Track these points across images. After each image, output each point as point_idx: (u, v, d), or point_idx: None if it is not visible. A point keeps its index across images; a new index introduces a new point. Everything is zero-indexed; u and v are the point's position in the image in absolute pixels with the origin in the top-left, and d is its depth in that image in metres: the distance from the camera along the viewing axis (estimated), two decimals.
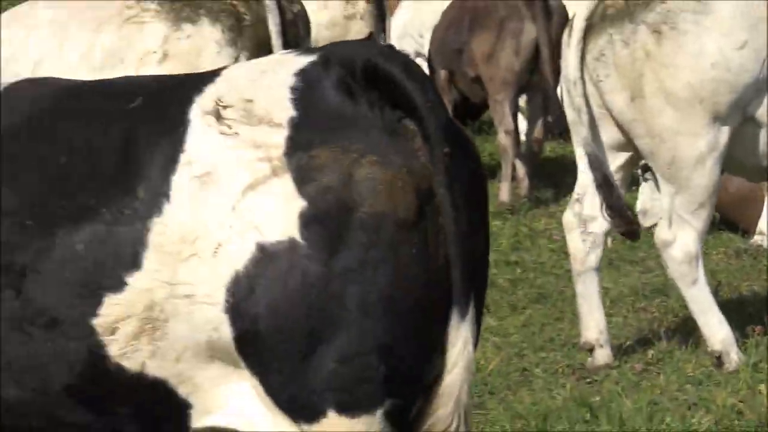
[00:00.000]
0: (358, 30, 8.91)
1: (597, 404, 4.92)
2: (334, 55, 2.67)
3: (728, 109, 5.28)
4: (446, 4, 9.36)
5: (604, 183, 5.48)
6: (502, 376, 5.50)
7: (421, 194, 2.49)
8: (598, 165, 5.51)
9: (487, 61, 7.72)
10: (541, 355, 5.91)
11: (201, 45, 6.09)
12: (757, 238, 7.57)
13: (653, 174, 5.97)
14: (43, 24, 6.71)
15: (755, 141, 5.49)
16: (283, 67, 2.71)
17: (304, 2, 7.76)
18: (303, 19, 6.57)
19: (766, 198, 7.74)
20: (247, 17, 6.12)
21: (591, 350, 5.63)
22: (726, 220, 7.37)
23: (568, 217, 5.77)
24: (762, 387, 5.05)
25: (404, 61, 2.59)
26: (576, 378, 5.48)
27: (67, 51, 6.34)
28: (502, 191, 8.24)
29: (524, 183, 8.54)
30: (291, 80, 2.63)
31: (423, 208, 2.51)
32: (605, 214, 5.62)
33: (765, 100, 5.40)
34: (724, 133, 5.37)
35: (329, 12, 8.84)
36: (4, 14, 7.12)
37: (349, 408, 2.54)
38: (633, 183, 6.53)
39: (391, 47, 2.88)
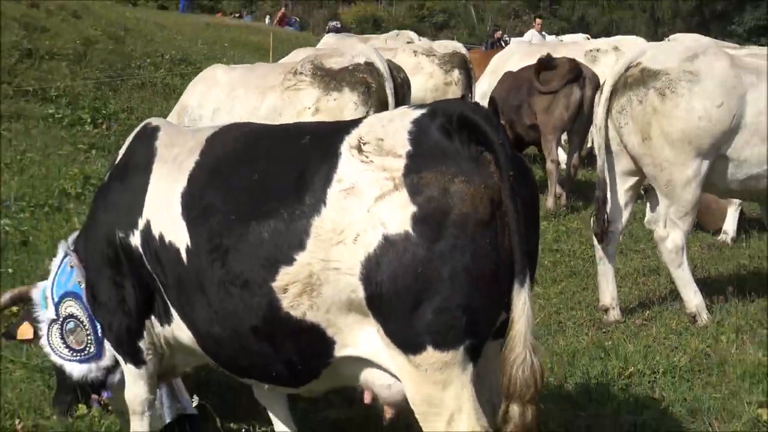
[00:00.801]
0: (454, 92, 9.77)
1: (609, 347, 5.28)
2: (438, 109, 2.89)
3: (708, 149, 5.75)
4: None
5: (600, 200, 6.02)
6: (545, 327, 5.84)
7: (494, 203, 2.71)
8: (602, 187, 6.01)
9: (546, 113, 8.67)
10: (572, 313, 6.30)
11: (343, 104, 6.63)
12: (722, 236, 8.34)
13: (653, 192, 6.44)
14: (221, 84, 7.39)
15: (725, 170, 5.93)
16: (405, 117, 2.91)
17: (418, 74, 9.12)
18: (407, 83, 7.22)
19: (729, 206, 8.41)
20: (373, 85, 6.62)
21: (606, 311, 6.05)
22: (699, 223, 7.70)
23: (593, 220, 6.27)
24: (723, 337, 5.44)
25: (485, 113, 2.85)
26: (595, 329, 5.85)
27: (236, 108, 7.05)
28: (548, 202, 9.39)
29: (563, 197, 9.58)
30: (409, 126, 2.86)
31: (494, 212, 2.73)
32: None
33: (732, 143, 5.82)
34: (705, 165, 5.80)
35: (434, 80, 9.76)
36: (199, 75, 7.81)
37: (440, 345, 2.76)
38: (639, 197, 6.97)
39: (476, 104, 3.32)
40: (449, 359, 2.82)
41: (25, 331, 4.22)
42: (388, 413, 3.29)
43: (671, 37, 9.47)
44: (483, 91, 10.51)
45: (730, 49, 6.50)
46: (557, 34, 21.85)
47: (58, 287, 4.03)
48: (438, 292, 2.78)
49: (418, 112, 2.91)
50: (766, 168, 5.94)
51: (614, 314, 6.08)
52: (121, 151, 3.74)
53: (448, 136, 2.77)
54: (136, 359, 3.70)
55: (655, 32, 29.40)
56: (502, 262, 2.77)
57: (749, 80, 5.86)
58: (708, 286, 6.62)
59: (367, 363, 3.09)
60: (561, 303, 6.75)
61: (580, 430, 4.30)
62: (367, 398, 3.34)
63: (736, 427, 4.29)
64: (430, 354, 2.79)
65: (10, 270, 6.07)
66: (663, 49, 6.31)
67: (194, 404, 4.29)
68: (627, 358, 5.19)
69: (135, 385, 3.74)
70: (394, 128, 2.89)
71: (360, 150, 2.91)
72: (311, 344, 3.09)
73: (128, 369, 3.73)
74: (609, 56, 10.17)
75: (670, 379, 4.98)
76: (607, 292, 6.15)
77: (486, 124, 2.72)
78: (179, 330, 3.50)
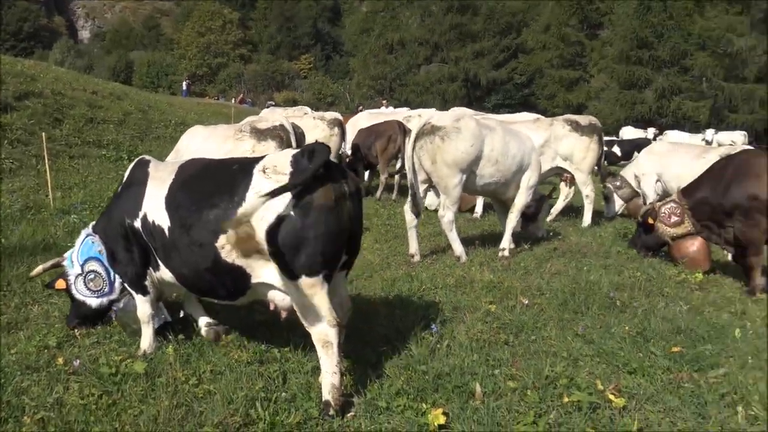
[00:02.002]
0: (335, 141, 11.87)
1: (414, 275, 6.34)
2: (305, 149, 3.47)
3: (466, 169, 6.98)
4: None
5: (413, 195, 7.12)
6: (379, 265, 6.84)
7: (336, 197, 3.34)
8: (413, 187, 7.10)
9: (384, 150, 11.60)
10: (395, 258, 7.27)
11: (267, 149, 7.92)
12: (475, 214, 10.17)
13: (436, 190, 7.38)
14: (200, 136, 8.66)
15: (474, 180, 7.15)
16: (289, 153, 3.49)
17: (315, 129, 11.68)
18: (303, 136, 8.84)
19: (478, 198, 10.31)
20: (284, 137, 8.23)
21: (412, 256, 7.10)
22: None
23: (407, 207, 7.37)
24: (473, 268, 6.57)
25: (326, 149, 3.42)
26: (407, 266, 6.79)
27: (208, 149, 8.10)
28: (377, 194, 12.09)
29: (394, 193, 12.81)
30: (290, 158, 3.41)
31: (338, 202, 3.35)
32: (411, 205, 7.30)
33: (478, 166, 7.01)
34: (463, 177, 6.90)
35: (324, 134, 11.79)
36: (187, 131, 9.05)
37: (309, 275, 3.35)
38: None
39: (322, 144, 3.57)
40: (314, 282, 3.46)
41: (60, 283, 4.89)
42: (283, 314, 3.92)
43: (452, 109, 12.20)
44: (348, 140, 13.26)
45: (479, 115, 8.17)
46: (395, 107, 26.90)
47: (81, 254, 4.74)
48: (307, 245, 3.36)
49: (296, 151, 3.58)
50: (494, 179, 7.35)
51: (417, 258, 7.30)
52: (126, 174, 4.45)
53: (310, 161, 3.39)
54: (143, 291, 4.41)
55: (444, 107, 37.44)
56: (343, 229, 3.46)
57: (486, 132, 7.22)
58: (465, 241, 7.87)
59: (270, 286, 3.71)
60: (389, 252, 7.75)
61: (396, 317, 5.14)
62: (271, 306, 3.92)
63: (477, 316, 5.23)
64: (304, 280, 3.46)
65: None
66: (444, 114, 7.56)
67: (181, 316, 4.96)
68: (422, 281, 6.23)
69: (143, 306, 4.46)
70: (283, 159, 3.53)
71: (264, 171, 3.52)
72: (239, 276, 3.72)
73: (138, 297, 4.45)
74: (415, 119, 12.77)
75: (444, 291, 5.96)
76: (413, 246, 7.35)
77: (325, 155, 3.41)
78: (165, 273, 4.19)
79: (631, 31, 45.20)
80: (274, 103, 41.49)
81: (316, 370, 3.83)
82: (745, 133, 30.71)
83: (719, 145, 24.26)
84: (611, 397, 3.79)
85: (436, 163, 6.97)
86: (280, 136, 8.05)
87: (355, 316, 4.71)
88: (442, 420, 3.43)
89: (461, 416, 3.54)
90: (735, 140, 27.25)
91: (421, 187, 7.30)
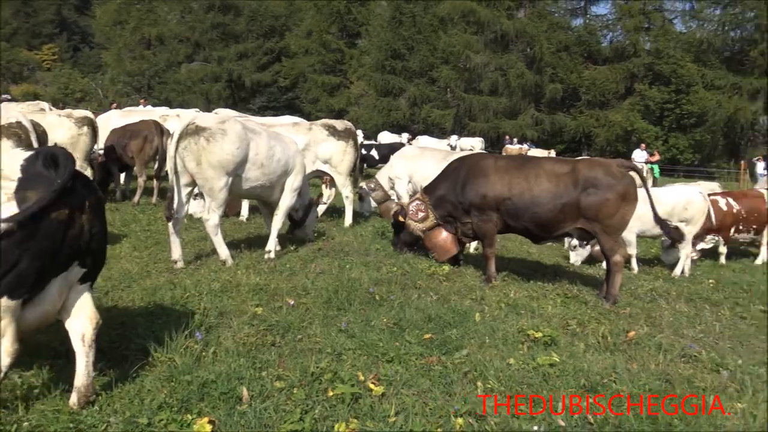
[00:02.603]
0: (84, 140, 10.81)
1: (177, 281, 6.08)
2: (40, 151, 3.24)
3: (231, 171, 6.96)
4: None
5: (170, 198, 6.87)
6: (138, 273, 6.52)
7: (72, 204, 3.20)
8: (172, 190, 6.88)
9: (140, 151, 10.89)
10: (156, 265, 6.94)
11: (3, 148, 6.80)
12: (240, 218, 9.93)
13: (202, 194, 7.38)
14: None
15: (240, 183, 7.18)
16: (20, 156, 3.22)
17: (61, 128, 10.53)
18: (45, 134, 8.14)
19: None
20: (22, 135, 7.35)
21: (175, 262, 6.85)
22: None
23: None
24: (240, 271, 6.59)
25: (63, 153, 3.25)
26: (169, 272, 6.55)
27: None
28: (135, 198, 10.91)
29: (153, 198, 11.73)
30: (21, 162, 3.15)
31: (74, 213, 3.20)
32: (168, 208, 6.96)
33: (243, 168, 7.07)
34: (229, 180, 6.91)
35: (71, 132, 10.63)
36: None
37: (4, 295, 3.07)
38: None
39: (61, 148, 3.41)
40: (9, 304, 3.13)
41: None
42: None
43: (216, 110, 12.26)
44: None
45: (241, 118, 8.07)
46: (154, 105, 25.34)
47: None
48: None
49: (28, 153, 3.28)
50: (259, 182, 7.42)
51: (180, 264, 7.09)
52: None
53: (47, 167, 3.17)
54: None
55: (208, 107, 36.85)
56: (75, 239, 3.28)
57: (251, 135, 7.28)
58: (231, 245, 7.83)
59: None
60: (150, 259, 7.39)
61: (157, 328, 4.86)
62: None
63: (244, 320, 5.18)
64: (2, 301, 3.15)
65: None
66: (207, 115, 7.53)
67: None
68: (186, 288, 5.95)
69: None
70: (16, 160, 3.24)
71: None
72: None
73: None
74: (174, 119, 12.55)
75: (210, 297, 5.75)
76: (176, 252, 7.12)
77: (65, 159, 3.21)
78: None
79: (385, 42, 48.27)
80: (10, 97, 36.51)
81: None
82: (482, 139, 34.67)
83: (461, 149, 27.10)
84: (371, 386, 4.04)
85: (201, 165, 6.84)
86: (17, 134, 7.23)
87: (110, 330, 4.45)
88: (208, 429, 3.37)
89: (228, 422, 3.52)
90: (474, 145, 30.57)
91: (185, 191, 7.09)
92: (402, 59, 48.13)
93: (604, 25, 48.26)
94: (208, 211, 7.10)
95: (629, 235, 9.48)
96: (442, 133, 40.16)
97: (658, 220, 7.85)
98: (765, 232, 11.84)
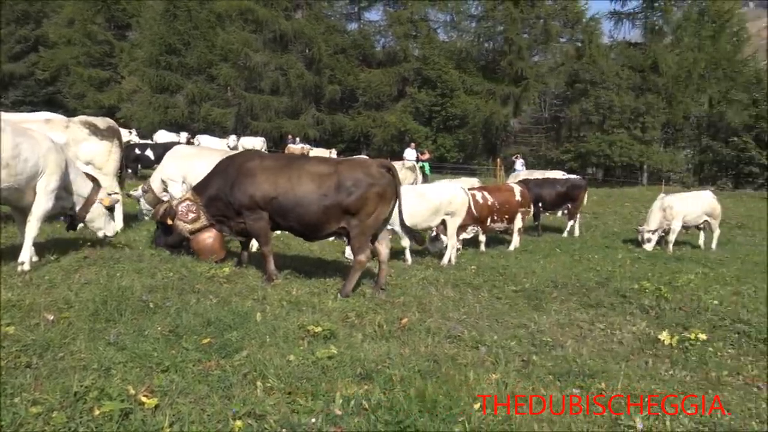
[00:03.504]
0: None
1: None
2: None
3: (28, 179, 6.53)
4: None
5: None
6: None
7: None
8: None
9: None
10: None
11: None
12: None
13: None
14: None
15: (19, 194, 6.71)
16: None
17: None
18: None
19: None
20: None
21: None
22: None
23: None
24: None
25: None
26: None
27: None
28: None
29: None
30: None
31: None
32: None
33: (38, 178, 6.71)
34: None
35: None
36: None
37: None
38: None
39: None
40: None
41: None
42: None
43: None
44: None
45: None
46: None
47: None
48: None
49: None
50: (6, 185, 6.65)
51: None
52: None
53: None
54: None
55: None
56: None
57: (20, 140, 6.66)
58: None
59: None
60: None
61: None
62: None
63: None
64: None
65: None
66: None
67: None
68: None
69: None
70: None
71: None
72: None
73: None
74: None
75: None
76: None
77: None
78: None
79: (159, 36, 45.82)
80: None
81: None
82: (264, 139, 34.61)
83: (243, 149, 26.71)
84: (144, 399, 3.82)
85: None
86: None
87: None
88: None
89: None
90: (255, 145, 30.37)
91: None
92: (178, 55, 46.22)
93: (377, 31, 51.10)
94: None
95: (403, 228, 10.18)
96: (224, 133, 39.38)
97: (402, 224, 8.56)
98: (516, 222, 13.58)
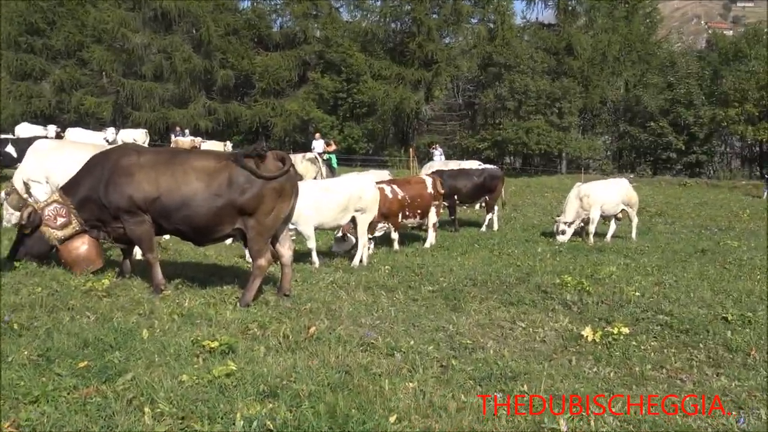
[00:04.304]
0: None
1: None
2: None
3: None
4: None
5: None
6: None
7: None
8: None
9: None
10: None
11: None
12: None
13: None
14: None
15: None
16: None
17: None
18: None
19: None
20: None
21: None
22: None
23: None
24: None
25: None
26: None
27: None
28: None
29: None
30: None
31: None
32: None
33: None
34: None
35: None
36: None
37: None
38: None
39: None
40: None
41: None
42: None
43: None
44: None
45: None
46: None
47: None
48: None
49: None
50: None
51: None
52: None
53: None
54: None
55: None
56: None
57: None
58: None
59: None
60: None
61: None
62: None
63: None
64: None
65: None
66: None
67: None
68: None
69: None
70: None
71: None
72: None
73: None
74: None
75: None
76: None
77: None
78: None
79: (17, 14, 43.33)
80: None
81: None
82: (146, 131, 33.40)
83: (123, 142, 25.71)
84: None
85: None
86: None
87: None
88: None
89: None
90: (137, 138, 29.27)
91: None
92: (42, 35, 43.96)
93: (273, 9, 50.52)
94: None
95: (307, 228, 10.13)
96: (101, 125, 37.84)
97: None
98: (430, 216, 13.78)
